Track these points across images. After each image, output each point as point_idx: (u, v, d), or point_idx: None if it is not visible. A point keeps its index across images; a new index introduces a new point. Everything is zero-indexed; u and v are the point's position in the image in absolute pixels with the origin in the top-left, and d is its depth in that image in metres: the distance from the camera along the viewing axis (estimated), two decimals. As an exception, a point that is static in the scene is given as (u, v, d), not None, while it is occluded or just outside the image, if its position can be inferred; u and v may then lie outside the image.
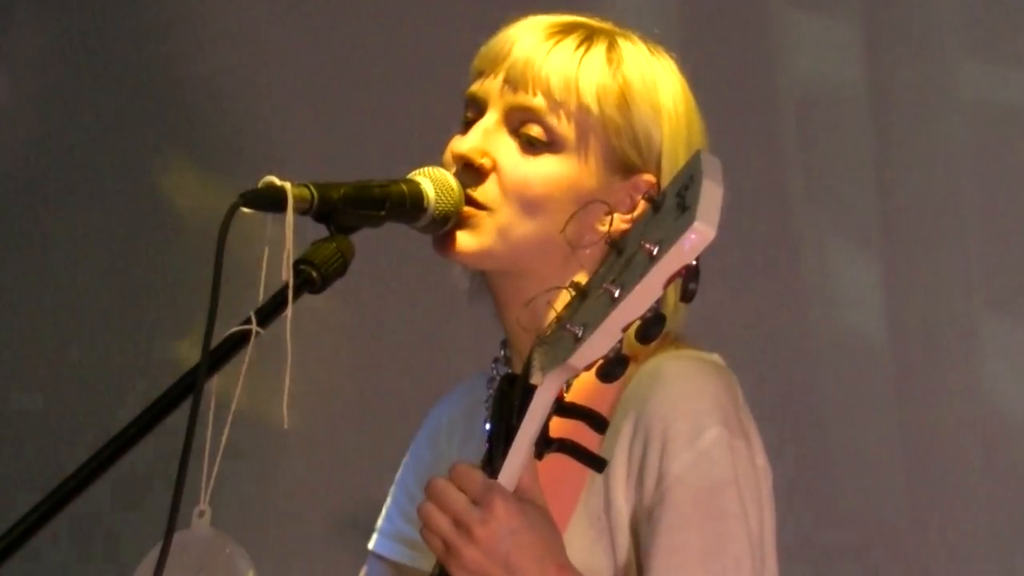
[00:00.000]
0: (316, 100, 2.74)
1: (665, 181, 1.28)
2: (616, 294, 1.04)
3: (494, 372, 1.39)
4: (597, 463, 1.13)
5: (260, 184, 1.26)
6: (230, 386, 1.28)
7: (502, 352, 1.38)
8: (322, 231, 1.31)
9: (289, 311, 1.25)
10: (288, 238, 1.25)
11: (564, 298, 1.14)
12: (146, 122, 2.91)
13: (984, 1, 2.47)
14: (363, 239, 1.33)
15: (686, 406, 1.25)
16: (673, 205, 1.03)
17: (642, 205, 1.09)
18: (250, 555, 1.42)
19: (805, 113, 2.58)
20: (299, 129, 2.75)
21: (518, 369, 1.20)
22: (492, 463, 1.15)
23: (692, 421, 1.23)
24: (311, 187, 1.27)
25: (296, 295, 1.25)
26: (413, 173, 1.35)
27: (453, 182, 1.33)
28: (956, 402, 2.97)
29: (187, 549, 1.37)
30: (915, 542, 2.69)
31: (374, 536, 1.48)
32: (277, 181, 1.26)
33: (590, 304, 1.09)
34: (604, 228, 1.24)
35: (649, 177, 1.30)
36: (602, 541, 1.25)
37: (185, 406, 1.23)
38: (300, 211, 1.26)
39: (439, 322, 2.49)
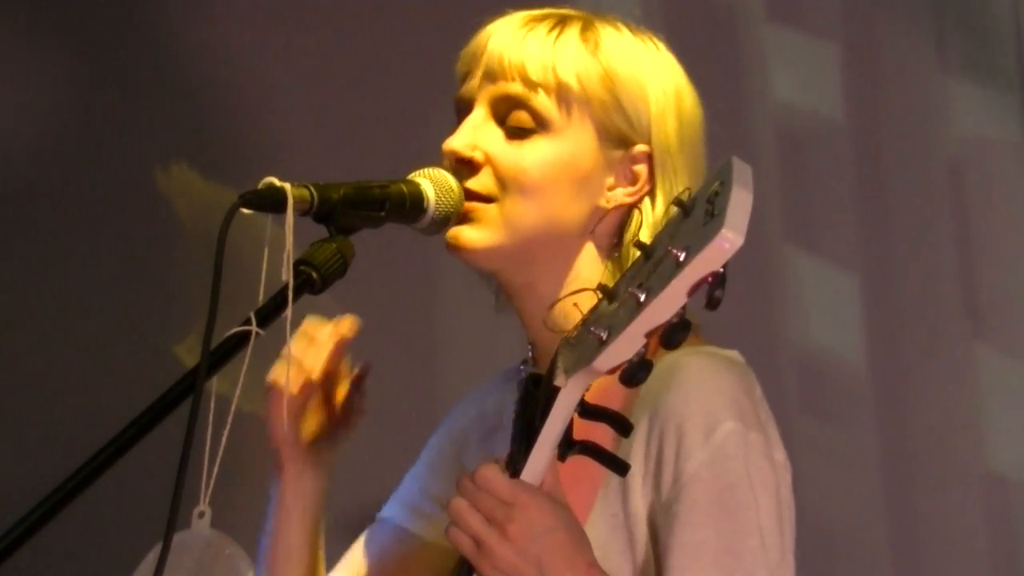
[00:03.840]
0: (320, 103, 2.76)
1: (657, 151, 1.30)
2: (642, 299, 1.04)
3: (523, 373, 1.39)
4: (619, 466, 1.13)
5: (260, 185, 1.27)
6: (230, 387, 1.29)
7: (529, 353, 1.38)
8: (322, 232, 1.31)
9: (289, 312, 1.25)
10: (288, 239, 1.26)
11: (589, 299, 1.14)
12: (148, 124, 2.92)
13: (964, 22, 2.48)
14: (363, 240, 1.33)
15: (701, 402, 1.24)
16: (702, 211, 1.03)
17: (671, 209, 1.10)
18: (250, 557, 1.43)
19: (784, 131, 2.59)
20: (304, 132, 2.75)
21: (543, 369, 1.20)
22: (515, 463, 1.15)
23: (707, 416, 1.23)
24: (311, 188, 1.27)
25: (296, 296, 1.25)
26: (413, 174, 1.36)
27: (453, 182, 1.34)
28: (934, 420, 2.99)
29: (187, 550, 1.39)
30: (892, 557, 2.71)
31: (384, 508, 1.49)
32: (277, 182, 1.26)
33: (616, 307, 1.09)
34: (608, 205, 1.28)
35: (643, 147, 1.31)
36: (620, 540, 1.25)
37: (185, 407, 1.22)
38: (300, 212, 1.26)
39: (438, 323, 2.50)
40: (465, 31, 1.43)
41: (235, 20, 2.88)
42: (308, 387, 1.38)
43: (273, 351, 1.30)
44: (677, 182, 1.31)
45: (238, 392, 1.27)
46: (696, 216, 1.04)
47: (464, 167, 1.32)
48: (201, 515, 1.37)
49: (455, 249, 1.32)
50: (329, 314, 1.44)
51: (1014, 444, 2.96)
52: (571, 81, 1.28)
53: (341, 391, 1.45)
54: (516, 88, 1.30)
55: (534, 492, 1.12)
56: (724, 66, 2.58)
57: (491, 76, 1.31)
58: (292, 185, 1.27)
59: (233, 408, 1.27)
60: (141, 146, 2.91)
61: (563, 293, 1.29)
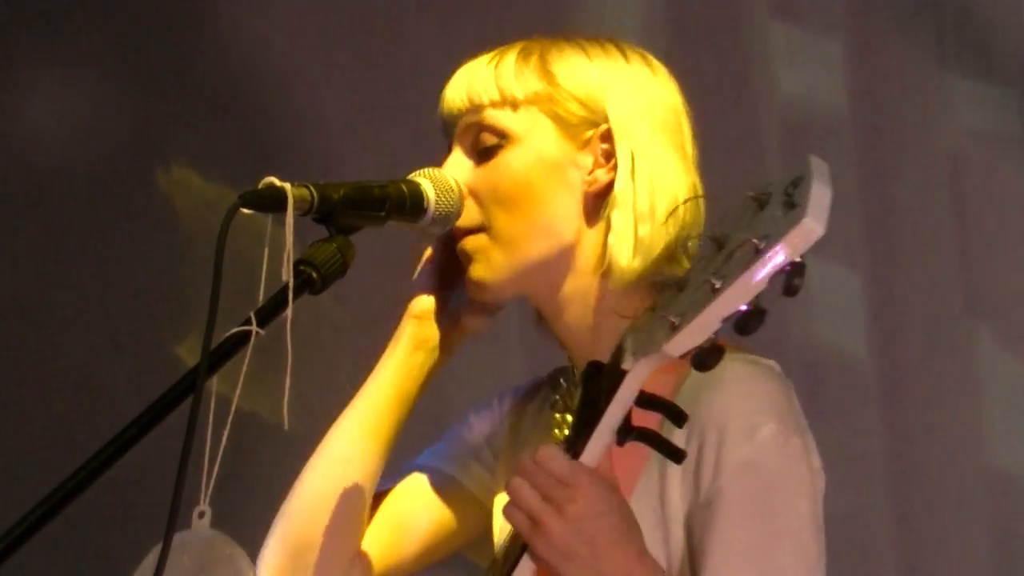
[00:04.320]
0: (324, 101, 2.77)
1: (615, 124, 1.33)
2: (717, 285, 1.06)
3: (562, 381, 1.41)
4: (676, 454, 1.15)
5: (260, 185, 1.27)
6: (230, 387, 1.29)
7: (569, 363, 1.40)
8: (323, 232, 1.33)
9: (289, 311, 1.26)
10: (288, 239, 1.26)
11: (616, 324, 1.24)
12: (149, 124, 2.93)
13: (968, 17, 2.49)
14: (363, 239, 1.35)
15: (742, 405, 1.26)
16: (780, 203, 1.06)
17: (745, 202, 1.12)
18: (251, 557, 1.42)
19: (788, 128, 2.61)
20: (307, 131, 2.77)
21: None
22: (574, 446, 1.16)
23: (748, 418, 1.25)
24: (311, 188, 1.28)
25: (296, 296, 1.26)
26: (413, 174, 1.37)
27: (452, 182, 1.35)
28: (936, 417, 2.99)
29: (187, 550, 1.37)
30: (895, 553, 2.71)
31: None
32: (277, 182, 1.27)
33: (688, 295, 1.11)
34: (591, 188, 1.32)
35: (605, 126, 1.34)
36: (656, 533, 1.26)
37: (185, 406, 1.23)
38: (300, 212, 1.27)
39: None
40: (492, 37, 1.45)
41: (233, 18, 2.90)
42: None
43: (273, 351, 1.30)
44: (649, 151, 1.33)
45: (238, 392, 1.27)
46: (773, 208, 1.06)
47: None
48: (201, 515, 1.35)
49: (472, 292, 1.36)
50: (329, 314, 1.43)
51: (1015, 440, 2.98)
52: (512, 88, 1.33)
53: None
54: (471, 117, 1.35)
55: (592, 474, 1.14)
56: (730, 62, 2.60)
57: (452, 117, 1.37)
58: (292, 185, 1.27)
59: (233, 408, 1.27)
60: (142, 146, 2.93)
61: (584, 289, 1.33)
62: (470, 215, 1.36)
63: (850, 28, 2.57)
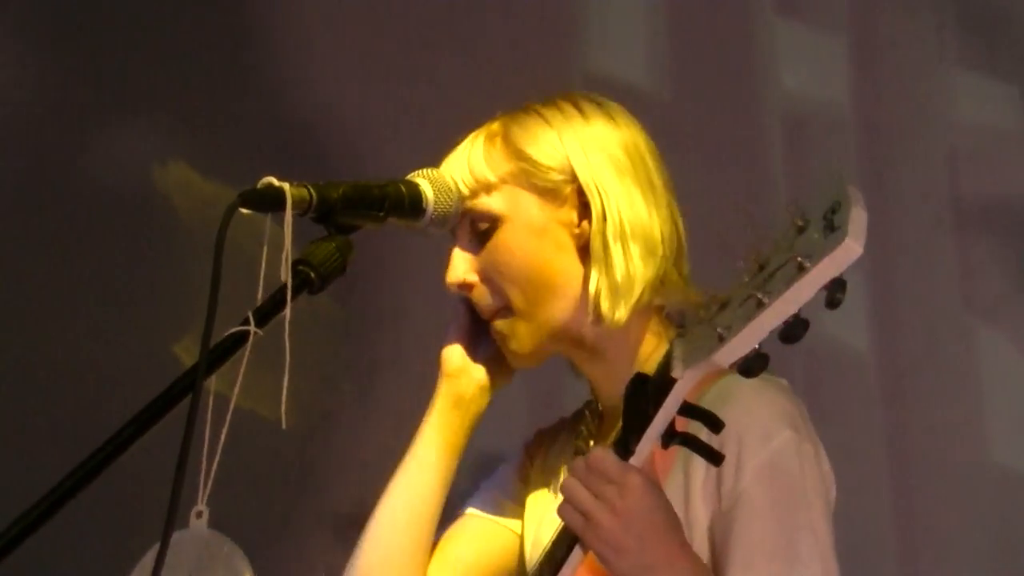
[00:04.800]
0: (324, 100, 2.79)
1: (584, 182, 1.44)
2: (764, 300, 1.18)
3: (586, 412, 1.55)
4: (716, 457, 1.25)
5: (259, 184, 1.29)
6: (228, 386, 1.31)
7: (592, 396, 1.54)
8: (321, 231, 1.34)
9: (288, 311, 1.28)
10: (287, 238, 1.28)
11: (630, 354, 1.45)
12: (146, 121, 2.95)
13: (970, 11, 2.52)
14: (362, 238, 1.36)
15: (758, 415, 1.37)
16: (820, 226, 1.18)
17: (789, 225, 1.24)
18: (248, 555, 1.44)
19: (790, 123, 2.65)
20: (310, 131, 2.78)
21: (603, 402, 1.48)
22: (626, 448, 1.27)
23: (764, 427, 1.36)
24: (310, 188, 1.30)
25: (295, 295, 1.28)
26: (412, 174, 1.40)
27: (451, 182, 1.39)
28: (942, 409, 3.02)
29: (185, 549, 1.39)
30: (896, 549, 2.75)
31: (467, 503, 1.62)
32: (276, 182, 1.29)
33: (732, 310, 1.23)
34: (581, 242, 1.44)
35: (574, 184, 1.46)
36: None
37: (184, 406, 1.25)
38: (299, 212, 1.30)
39: (437, 320, 2.53)
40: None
41: (235, 11, 2.91)
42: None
43: (272, 350, 1.31)
44: (618, 197, 1.45)
45: (236, 391, 1.29)
46: (812, 231, 1.19)
47: (468, 291, 1.48)
48: (199, 515, 1.37)
49: (514, 364, 1.51)
50: (329, 314, 1.45)
51: (1016, 436, 3.00)
52: (487, 175, 1.45)
53: None
54: (463, 207, 1.47)
55: (641, 475, 1.24)
56: (734, 57, 2.63)
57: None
58: (291, 184, 1.29)
59: (232, 407, 1.29)
60: (139, 143, 2.95)
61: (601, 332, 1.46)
62: (489, 297, 1.48)
63: (853, 23, 2.60)
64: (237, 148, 2.97)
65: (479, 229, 1.47)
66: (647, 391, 1.28)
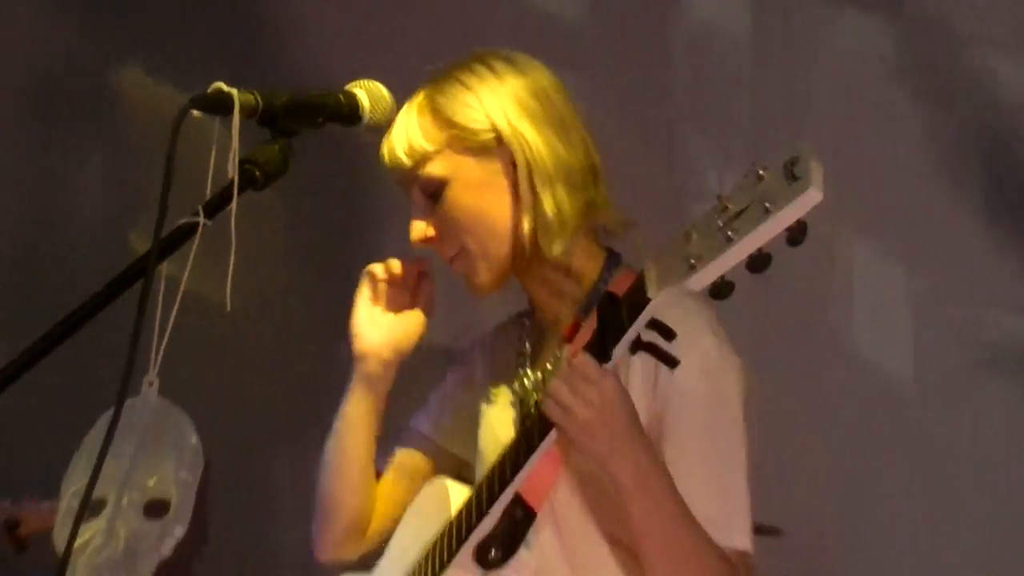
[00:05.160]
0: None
1: (504, 135, 1.58)
2: (733, 236, 1.33)
3: (525, 320, 1.71)
4: (673, 361, 1.43)
5: (209, 89, 1.35)
6: (179, 271, 1.38)
7: (528, 307, 1.70)
8: (266, 135, 1.40)
9: (234, 205, 1.35)
10: (234, 138, 1.34)
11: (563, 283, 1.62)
12: (109, 27, 2.98)
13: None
14: (300, 144, 1.44)
15: (687, 323, 1.47)
16: (782, 176, 1.31)
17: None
18: (193, 422, 1.54)
19: (695, 49, 2.76)
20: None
21: (545, 314, 1.66)
22: (602, 354, 1.45)
23: (692, 333, 1.49)
24: (256, 94, 1.36)
25: (241, 190, 1.34)
26: (350, 85, 1.46)
27: (386, 93, 1.46)
28: (815, 316, 3.14)
29: (137, 414, 1.49)
30: (760, 433, 2.87)
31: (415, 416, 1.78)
32: (224, 87, 1.35)
33: (703, 242, 1.37)
34: (517, 179, 1.59)
35: (499, 136, 1.59)
36: None
37: (137, 288, 1.32)
38: (246, 115, 1.35)
39: (365, 220, 2.65)
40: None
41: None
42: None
43: (218, 241, 1.38)
44: (534, 141, 1.59)
45: (186, 275, 1.36)
46: (774, 180, 1.32)
47: (429, 244, 1.63)
48: (151, 383, 1.46)
49: (477, 295, 1.65)
50: (270, 208, 1.51)
51: (878, 335, 3.11)
52: (424, 146, 1.59)
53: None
54: (410, 176, 1.62)
55: (612, 376, 1.45)
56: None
57: (399, 178, 1.64)
58: (239, 91, 1.35)
59: (181, 289, 1.36)
60: (97, 50, 2.99)
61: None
62: (448, 245, 1.63)
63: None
64: (192, 56, 3.01)
65: (429, 191, 1.61)
66: (619, 308, 1.46)
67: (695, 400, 1.54)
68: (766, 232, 1.33)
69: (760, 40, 2.70)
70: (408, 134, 1.61)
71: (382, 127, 1.49)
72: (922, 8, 2.55)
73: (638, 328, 1.43)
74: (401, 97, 1.58)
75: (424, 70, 1.66)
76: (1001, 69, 2.51)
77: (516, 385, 1.71)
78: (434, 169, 1.60)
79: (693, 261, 1.37)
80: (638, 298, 1.43)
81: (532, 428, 1.52)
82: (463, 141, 1.60)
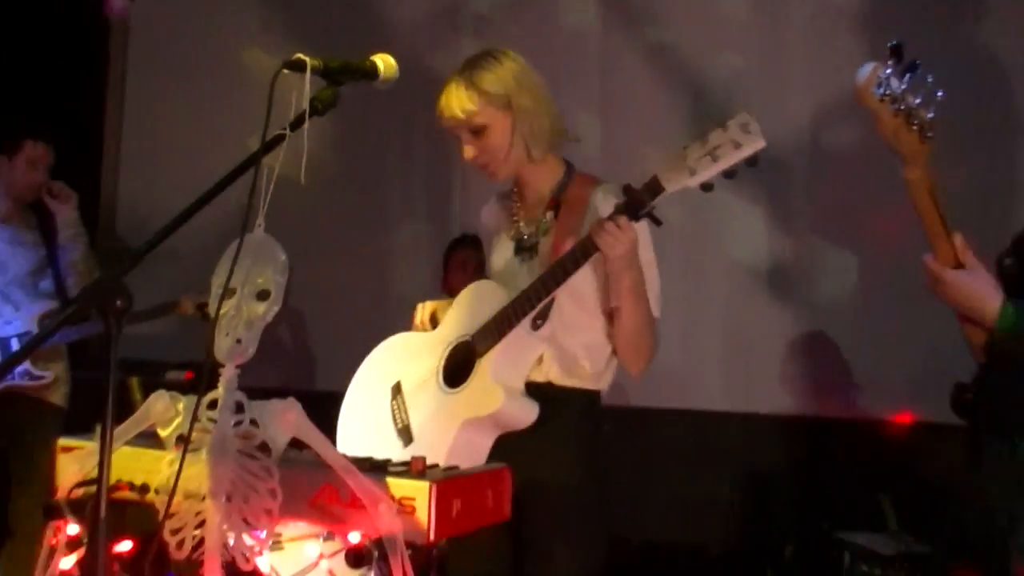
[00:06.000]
0: None
1: (512, 99, 2.56)
2: (717, 160, 2.14)
3: (513, 197, 2.73)
4: (659, 223, 2.40)
5: (293, 58, 1.87)
6: (275, 160, 1.82)
7: (514, 189, 2.72)
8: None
9: (306, 124, 1.84)
10: (306, 84, 1.84)
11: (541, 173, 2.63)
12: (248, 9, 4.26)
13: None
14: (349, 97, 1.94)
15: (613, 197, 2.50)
16: (740, 131, 2.09)
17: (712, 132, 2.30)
18: (286, 250, 1.94)
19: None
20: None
21: (529, 193, 2.64)
22: (634, 217, 2.32)
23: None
24: (321, 60, 1.91)
25: (311, 115, 1.86)
26: (373, 56, 2.03)
27: (393, 63, 2.04)
28: (694, 228, 4.33)
29: (252, 244, 1.90)
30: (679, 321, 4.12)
31: None
32: (303, 56, 1.88)
33: (692, 160, 2.16)
34: (519, 122, 2.58)
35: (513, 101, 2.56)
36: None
37: (250, 173, 1.78)
38: (314, 72, 1.88)
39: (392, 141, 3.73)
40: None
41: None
42: None
43: (298, 146, 1.81)
44: (527, 103, 2.56)
45: (279, 163, 1.82)
46: (734, 132, 2.11)
47: (474, 162, 2.55)
48: (259, 225, 1.84)
49: (495, 182, 2.62)
50: (322, 123, 1.93)
51: (748, 238, 4.10)
52: (470, 107, 2.52)
53: None
54: (460, 124, 2.53)
55: (633, 227, 2.35)
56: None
57: (450, 126, 2.54)
58: (310, 58, 1.89)
59: (277, 169, 1.81)
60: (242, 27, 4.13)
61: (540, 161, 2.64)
62: (484, 159, 2.55)
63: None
64: (285, 40, 4.04)
65: (473, 130, 2.51)
66: (643, 192, 2.25)
67: (648, 245, 2.50)
68: (736, 158, 2.12)
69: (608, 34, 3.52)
70: (460, 100, 2.49)
71: (391, 82, 2.02)
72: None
73: (651, 205, 2.28)
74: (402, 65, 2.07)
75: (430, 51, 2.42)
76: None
77: (512, 232, 2.62)
78: (478, 119, 2.50)
79: (692, 168, 2.16)
80: (656, 188, 2.27)
81: (577, 250, 2.37)
82: (492, 103, 2.50)
